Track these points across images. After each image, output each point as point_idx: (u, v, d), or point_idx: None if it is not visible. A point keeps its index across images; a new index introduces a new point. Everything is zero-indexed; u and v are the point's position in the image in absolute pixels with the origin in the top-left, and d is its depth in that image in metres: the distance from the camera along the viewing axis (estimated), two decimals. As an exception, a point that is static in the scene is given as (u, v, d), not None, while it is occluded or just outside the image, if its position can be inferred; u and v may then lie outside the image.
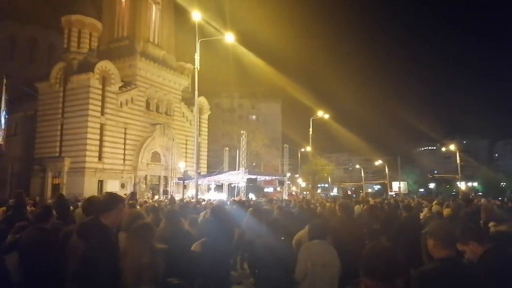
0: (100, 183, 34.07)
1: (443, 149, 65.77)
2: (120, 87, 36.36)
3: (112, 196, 3.36)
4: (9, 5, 42.26)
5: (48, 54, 48.06)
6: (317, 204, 12.58)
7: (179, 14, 40.91)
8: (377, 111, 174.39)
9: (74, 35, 36.30)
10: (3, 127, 34.61)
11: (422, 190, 67.93)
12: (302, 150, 47.01)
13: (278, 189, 45.88)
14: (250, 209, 8.52)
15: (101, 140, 34.59)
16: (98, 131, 34.39)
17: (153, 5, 41.78)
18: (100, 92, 34.68)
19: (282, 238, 4.71)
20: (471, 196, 26.49)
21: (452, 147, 52.21)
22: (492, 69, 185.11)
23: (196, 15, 18.49)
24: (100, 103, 34.61)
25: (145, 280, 2.85)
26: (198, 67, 18.71)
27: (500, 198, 24.64)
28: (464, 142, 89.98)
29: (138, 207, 8.89)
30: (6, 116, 34.99)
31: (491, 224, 4.85)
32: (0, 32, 46.35)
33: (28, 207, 7.40)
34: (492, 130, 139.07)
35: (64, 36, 36.86)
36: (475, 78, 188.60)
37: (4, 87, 34.22)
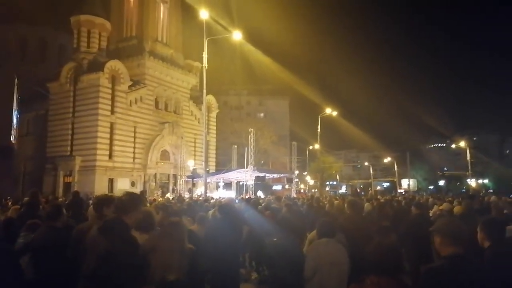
0: (111, 181, 34.43)
1: (453, 145, 64.99)
2: (129, 86, 36.63)
3: (136, 197, 3.46)
4: (19, 7, 42.83)
5: (58, 55, 48.61)
6: (326, 202, 12.59)
7: (187, 12, 41.16)
8: (385, 107, 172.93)
9: (83, 35, 36.62)
10: (15, 126, 35.25)
11: (431, 187, 67.31)
12: (310, 147, 46.97)
13: (287, 186, 45.90)
14: (259, 207, 8.59)
15: (111, 139, 34.92)
16: (108, 130, 34.72)
17: (161, 4, 41.94)
18: (109, 91, 34.99)
19: (275, 240, 4.65)
20: (481, 193, 26.26)
21: (462, 143, 51.55)
22: (503, 63, 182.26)
23: (204, 14, 18.57)
24: (110, 102, 34.92)
25: (172, 277, 2.91)
26: (206, 65, 18.80)
27: (511, 196, 24.29)
28: (475, 138, 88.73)
29: (148, 205, 9.01)
30: (18, 116, 35.64)
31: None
32: (11, 34, 47.02)
33: (41, 206, 7.55)
34: (503, 126, 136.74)
35: (74, 36, 37.21)
36: (485, 73, 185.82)
37: (15, 88, 34.83)
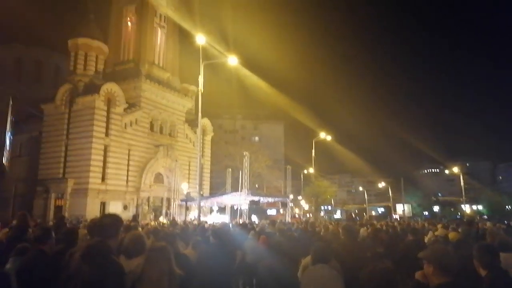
0: (103, 204, 33.87)
1: (447, 171, 65.41)
2: (124, 109, 36.69)
3: (118, 219, 3.36)
4: (15, 28, 43.33)
5: (54, 76, 48.81)
6: (321, 227, 12.47)
7: (184, 37, 41.84)
8: (379, 133, 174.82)
9: (80, 57, 36.90)
10: (8, 148, 34.91)
11: (426, 213, 67.11)
12: (305, 171, 46.90)
13: (281, 211, 45.53)
14: (252, 232, 8.47)
15: (104, 162, 34.61)
16: (102, 152, 34.48)
17: (159, 28, 42.71)
18: (105, 113, 34.99)
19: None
20: (476, 220, 26.19)
21: (455, 169, 51.91)
22: (494, 92, 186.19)
23: (201, 39, 18.87)
24: (104, 125, 34.86)
25: None
26: (202, 89, 18.96)
27: (506, 222, 24.25)
28: (467, 164, 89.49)
29: (140, 229, 8.85)
30: (11, 137, 35.36)
31: None
32: (6, 54, 47.33)
33: (30, 229, 7.39)
34: (494, 153, 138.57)
35: (71, 58, 37.46)
36: (477, 101, 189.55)
37: (10, 109, 34.73)
